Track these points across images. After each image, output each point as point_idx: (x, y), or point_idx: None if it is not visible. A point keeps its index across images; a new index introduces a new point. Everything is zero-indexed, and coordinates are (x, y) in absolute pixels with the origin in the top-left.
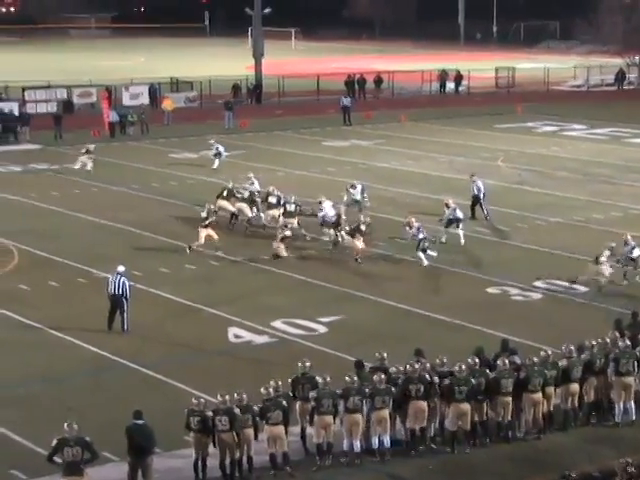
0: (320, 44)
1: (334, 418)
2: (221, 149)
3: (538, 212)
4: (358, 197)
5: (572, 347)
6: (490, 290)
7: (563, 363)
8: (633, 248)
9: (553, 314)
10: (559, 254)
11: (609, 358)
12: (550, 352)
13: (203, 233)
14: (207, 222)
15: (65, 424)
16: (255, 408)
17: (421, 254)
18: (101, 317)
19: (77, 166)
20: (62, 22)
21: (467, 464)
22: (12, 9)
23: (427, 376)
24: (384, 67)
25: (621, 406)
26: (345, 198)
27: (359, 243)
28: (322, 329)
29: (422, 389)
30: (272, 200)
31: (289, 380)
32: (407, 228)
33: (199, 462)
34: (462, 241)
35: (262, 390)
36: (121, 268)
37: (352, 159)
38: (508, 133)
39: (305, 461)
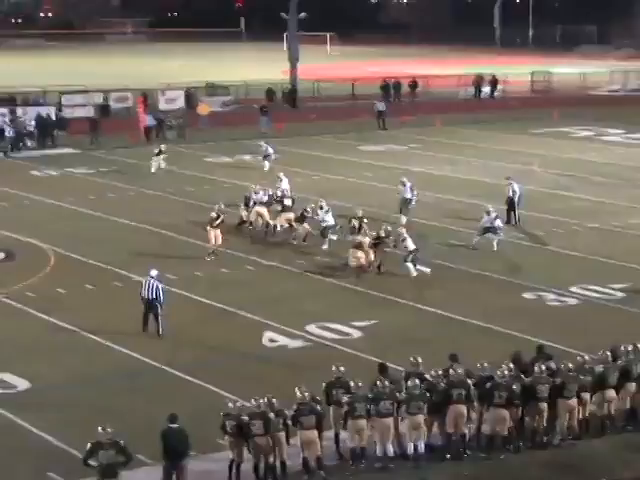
0: (355, 48)
1: (367, 422)
2: (270, 150)
3: (574, 217)
4: (408, 195)
5: (608, 353)
6: (526, 295)
7: (599, 369)
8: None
9: (589, 319)
10: (595, 259)
11: None
12: (587, 357)
13: (212, 234)
14: (217, 223)
15: (99, 427)
16: (287, 412)
17: (410, 265)
18: (136, 320)
19: (153, 169)
20: (99, 27)
21: (502, 470)
22: (50, 14)
23: (469, 381)
24: (419, 71)
25: None
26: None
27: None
28: (356, 334)
29: (464, 393)
30: (287, 203)
31: (323, 384)
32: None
33: (234, 464)
34: (495, 248)
35: (298, 394)
36: (153, 272)
37: (387, 164)
38: (544, 138)
39: (339, 466)
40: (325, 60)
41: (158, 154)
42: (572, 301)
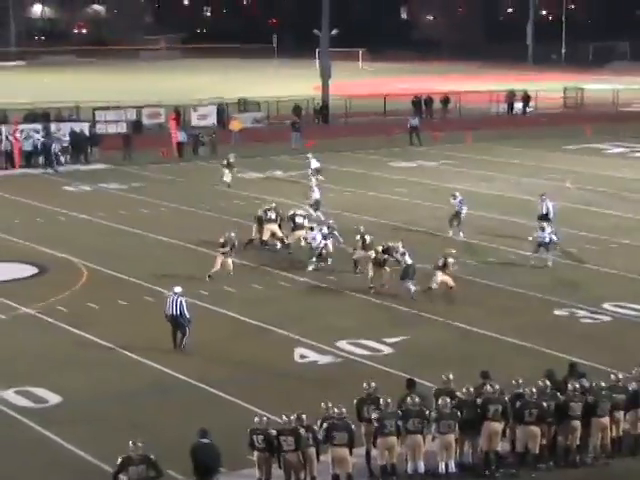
0: (387, 65)
1: (398, 439)
2: (315, 165)
3: (608, 234)
4: (457, 208)
5: None
6: (558, 312)
7: (632, 387)
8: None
9: (622, 337)
10: (628, 276)
11: None
12: (620, 376)
13: (219, 260)
14: (223, 250)
15: (130, 442)
16: (315, 427)
17: (410, 285)
18: (168, 336)
19: (228, 179)
20: (133, 44)
21: None
22: (84, 31)
23: (506, 398)
24: (451, 88)
25: None
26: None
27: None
28: (387, 350)
29: (500, 410)
30: (299, 220)
31: (354, 401)
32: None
33: None
34: (549, 264)
35: (335, 409)
36: (177, 288)
37: (419, 179)
38: (577, 154)
39: None
40: (357, 76)
41: (227, 166)
42: (605, 318)
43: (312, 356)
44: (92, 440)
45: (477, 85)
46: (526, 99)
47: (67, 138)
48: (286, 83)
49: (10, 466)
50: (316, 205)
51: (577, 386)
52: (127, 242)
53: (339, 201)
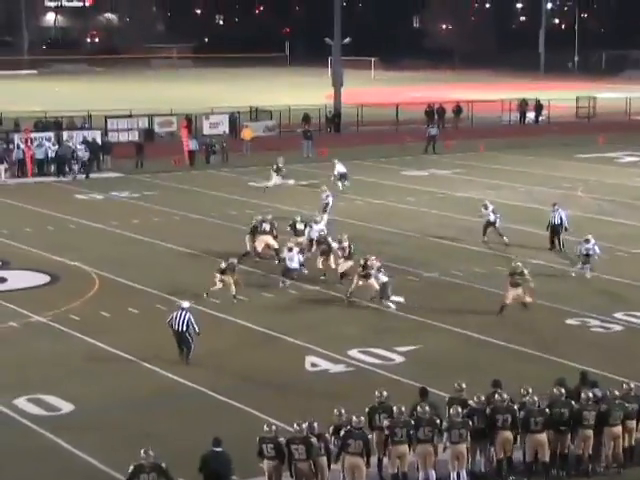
0: (399, 74)
1: (409, 448)
2: (340, 169)
3: (619, 243)
4: (491, 217)
5: None
6: (569, 321)
7: None
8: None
9: (634, 346)
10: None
11: None
12: (632, 385)
13: (217, 279)
14: (222, 278)
15: (142, 450)
16: (327, 436)
17: (390, 303)
18: None
19: (271, 184)
20: (144, 52)
21: None
22: (97, 40)
23: (516, 407)
24: (463, 97)
25: None
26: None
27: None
28: (399, 359)
29: (509, 419)
30: (300, 227)
31: (366, 409)
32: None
33: None
34: (588, 276)
35: (354, 417)
36: (185, 304)
37: (431, 188)
38: (589, 163)
39: None
40: (369, 85)
41: (277, 170)
42: (616, 327)
43: (323, 365)
44: (103, 448)
45: (489, 94)
46: (538, 108)
47: (82, 147)
48: (298, 91)
49: (22, 474)
50: (325, 209)
51: (590, 395)
52: (138, 250)
53: (350, 210)
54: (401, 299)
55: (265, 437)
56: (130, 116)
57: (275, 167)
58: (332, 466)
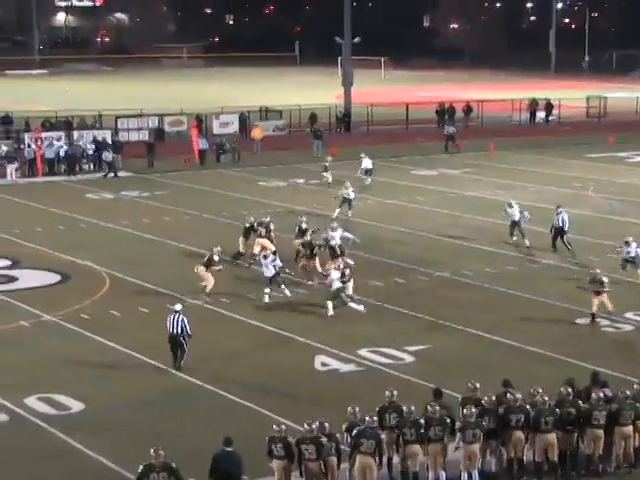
0: (410, 73)
1: (421, 447)
2: (367, 165)
3: None
4: (516, 217)
5: None
6: (579, 321)
7: None
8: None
9: None
10: None
11: None
12: None
13: (204, 273)
14: (209, 267)
15: (152, 450)
16: (338, 436)
17: (330, 303)
18: (190, 342)
19: (330, 179)
20: (155, 52)
21: None
22: (107, 39)
23: (528, 406)
24: (474, 96)
25: None
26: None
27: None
28: (409, 358)
29: (522, 419)
30: (304, 227)
31: (376, 409)
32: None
33: None
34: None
35: (367, 418)
36: (178, 306)
37: (441, 188)
38: (599, 163)
39: None
40: (379, 84)
41: (325, 169)
42: (627, 327)
43: (334, 364)
44: (114, 447)
45: (499, 93)
46: (549, 107)
47: (93, 146)
48: (308, 91)
49: (32, 473)
50: (348, 205)
51: (601, 395)
52: (149, 250)
53: (360, 209)
54: (361, 307)
55: (274, 437)
56: (140, 116)
57: (324, 166)
58: (341, 465)
